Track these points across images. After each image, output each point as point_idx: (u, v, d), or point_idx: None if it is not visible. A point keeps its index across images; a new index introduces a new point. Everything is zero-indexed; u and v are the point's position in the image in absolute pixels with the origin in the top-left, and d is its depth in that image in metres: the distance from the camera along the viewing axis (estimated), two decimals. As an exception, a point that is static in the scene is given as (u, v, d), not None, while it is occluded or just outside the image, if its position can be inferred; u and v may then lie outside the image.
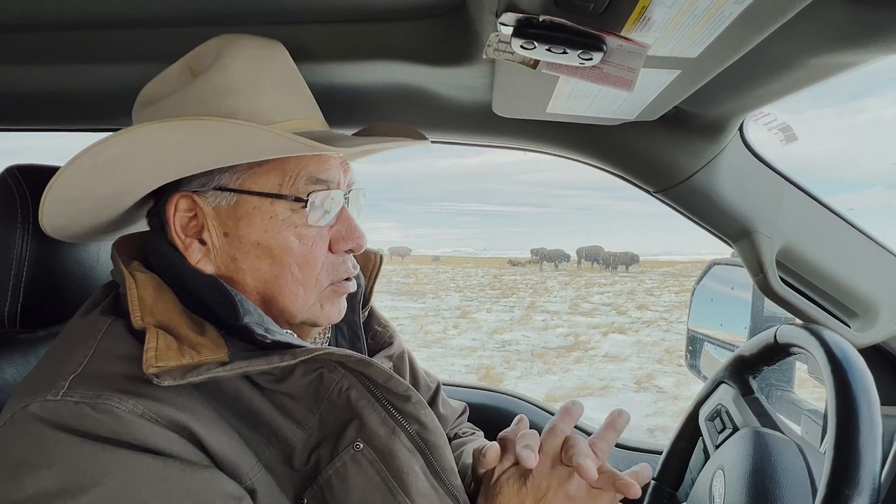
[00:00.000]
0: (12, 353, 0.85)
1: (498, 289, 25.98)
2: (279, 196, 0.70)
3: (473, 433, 1.07)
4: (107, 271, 0.93)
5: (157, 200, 0.74)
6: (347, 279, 0.78)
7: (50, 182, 0.65)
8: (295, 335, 0.75)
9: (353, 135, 0.88)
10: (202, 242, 0.72)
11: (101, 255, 0.92)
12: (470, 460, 0.94)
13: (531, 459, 0.71)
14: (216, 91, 0.70)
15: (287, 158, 0.71)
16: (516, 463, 0.74)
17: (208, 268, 0.71)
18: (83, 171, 0.65)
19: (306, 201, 0.70)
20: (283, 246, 0.70)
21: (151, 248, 0.74)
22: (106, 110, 1.08)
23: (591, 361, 9.89)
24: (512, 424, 0.81)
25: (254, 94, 0.71)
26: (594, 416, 6.47)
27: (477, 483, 0.81)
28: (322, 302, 0.75)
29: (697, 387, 1.08)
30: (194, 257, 0.71)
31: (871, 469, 0.58)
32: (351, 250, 0.76)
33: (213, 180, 0.70)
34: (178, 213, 0.71)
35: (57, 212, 0.70)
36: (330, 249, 0.75)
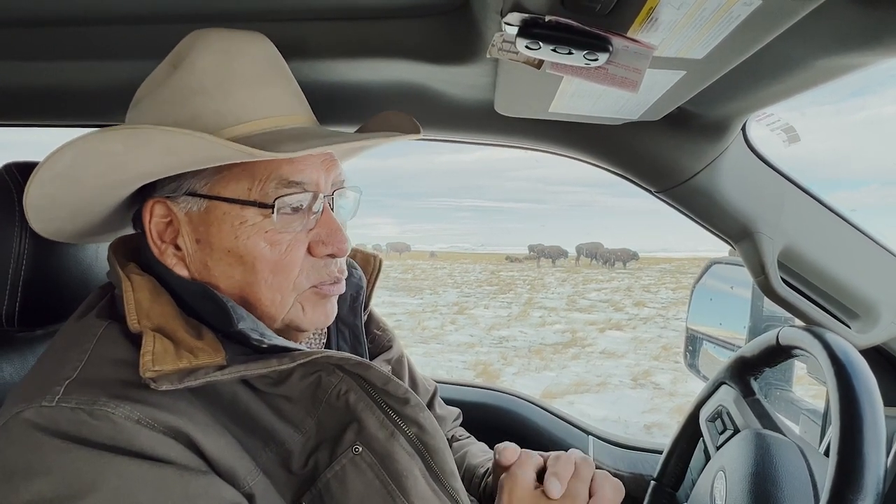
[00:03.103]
0: (10, 352, 0.85)
1: (495, 285, 26.01)
2: (246, 202, 0.67)
3: (469, 437, 1.07)
4: (105, 269, 0.92)
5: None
6: (334, 282, 0.74)
7: (24, 192, 0.64)
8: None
9: (356, 132, 0.87)
10: (178, 248, 0.70)
11: (99, 254, 0.92)
12: (477, 461, 0.94)
13: (556, 489, 0.71)
14: (184, 90, 0.68)
15: (256, 162, 0.67)
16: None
17: (183, 272, 0.69)
18: (46, 181, 0.63)
19: (273, 206, 0.67)
20: (254, 253, 0.67)
21: (142, 252, 0.73)
22: (104, 106, 1.07)
23: (588, 358, 9.91)
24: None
25: (220, 92, 0.68)
26: (592, 412, 6.49)
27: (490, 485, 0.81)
28: (303, 304, 0.72)
29: (694, 384, 1.08)
30: (169, 262, 0.69)
31: (875, 473, 0.58)
32: (332, 255, 0.72)
33: (184, 185, 0.68)
34: (153, 218, 0.69)
35: (37, 218, 0.69)
36: (310, 252, 0.71)
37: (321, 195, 0.71)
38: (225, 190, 0.67)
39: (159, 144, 0.61)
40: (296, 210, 0.69)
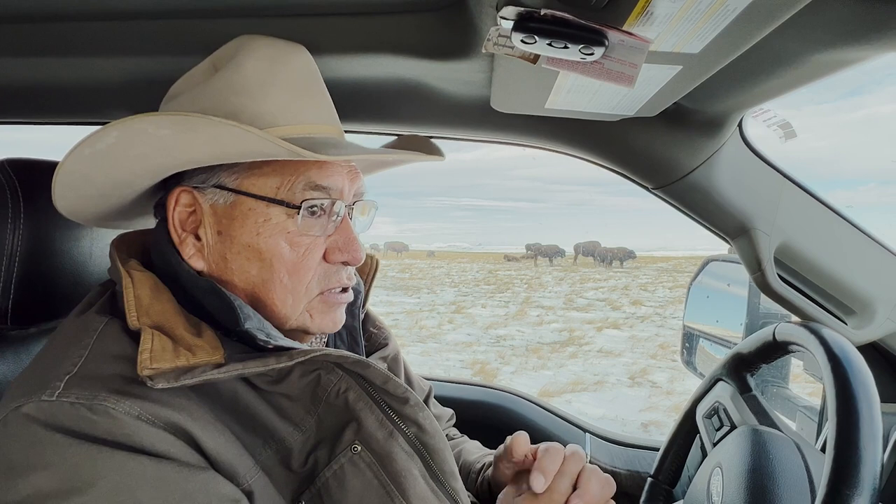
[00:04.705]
0: (4, 351, 0.84)
1: (493, 284, 26.01)
2: (273, 200, 0.69)
3: (462, 437, 1.07)
4: (100, 267, 0.92)
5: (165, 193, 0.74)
6: (343, 290, 0.75)
7: (57, 167, 0.65)
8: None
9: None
10: (198, 238, 0.71)
11: (93, 251, 0.91)
12: (472, 458, 0.94)
13: (539, 484, 0.72)
14: (226, 90, 0.70)
15: (287, 162, 0.69)
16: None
17: (199, 264, 0.70)
18: (84, 158, 0.64)
19: (299, 208, 0.69)
20: (274, 251, 0.69)
21: (154, 244, 0.74)
22: (103, 103, 1.06)
23: (586, 356, 9.91)
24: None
25: (262, 95, 0.70)
26: (589, 411, 6.50)
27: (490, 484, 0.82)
28: (311, 311, 0.73)
29: (691, 382, 1.08)
30: (187, 252, 0.70)
31: (871, 468, 0.58)
32: (346, 263, 0.74)
33: (213, 177, 0.70)
34: (178, 206, 0.71)
35: (64, 196, 0.70)
36: (325, 258, 0.73)
37: (343, 203, 0.72)
38: (253, 186, 0.69)
39: (206, 133, 0.63)
40: (318, 214, 0.70)
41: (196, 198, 0.70)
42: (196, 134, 0.63)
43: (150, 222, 0.81)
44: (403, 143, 0.90)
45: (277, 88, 0.71)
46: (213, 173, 0.69)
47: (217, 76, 0.71)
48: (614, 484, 0.77)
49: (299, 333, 0.75)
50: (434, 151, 0.86)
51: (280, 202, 0.69)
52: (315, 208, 0.70)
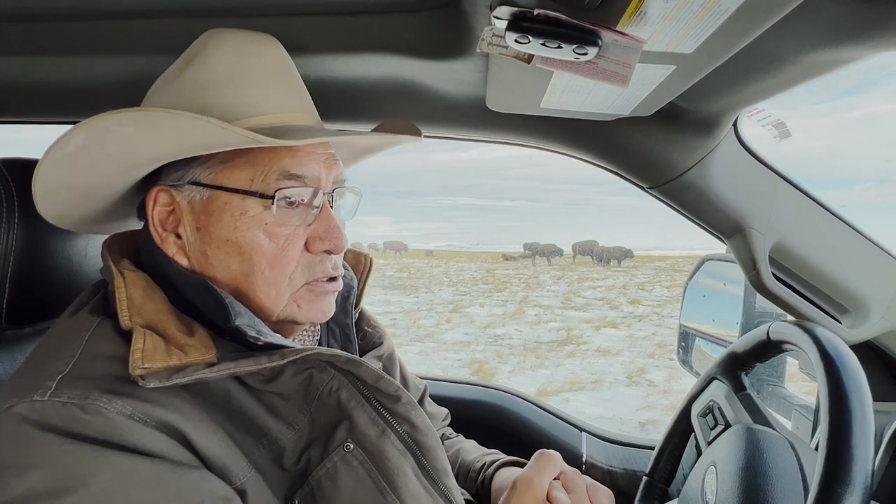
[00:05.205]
0: (-2, 350, 0.84)
1: (491, 283, 26.00)
2: (248, 192, 0.68)
3: (458, 436, 1.07)
4: (94, 267, 0.92)
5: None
6: (331, 279, 0.74)
7: (34, 172, 0.65)
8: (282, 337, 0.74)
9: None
10: (178, 237, 0.71)
11: (88, 251, 0.91)
12: (471, 457, 0.94)
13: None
14: (195, 85, 0.69)
15: (259, 153, 0.68)
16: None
17: (183, 262, 0.70)
18: (57, 161, 0.64)
19: (274, 198, 0.68)
20: (253, 244, 0.68)
21: (143, 245, 0.73)
22: (100, 103, 1.06)
23: (584, 356, 9.91)
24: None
25: (231, 88, 0.69)
26: (587, 410, 6.50)
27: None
28: (298, 301, 0.72)
29: (688, 381, 1.08)
30: (170, 251, 0.70)
31: (863, 467, 0.58)
32: (329, 251, 0.73)
33: (188, 174, 0.69)
34: (156, 206, 0.70)
35: (46, 200, 0.70)
36: (307, 248, 0.72)
37: (321, 191, 0.72)
38: (227, 180, 0.68)
39: (168, 128, 0.63)
40: (295, 204, 0.70)
41: (174, 196, 0.70)
42: (158, 129, 0.63)
43: (139, 224, 0.81)
44: (379, 128, 0.89)
45: (247, 80, 0.70)
46: (187, 170, 0.69)
47: (186, 72, 0.70)
48: (612, 496, 0.80)
49: (288, 325, 0.75)
50: (410, 131, 0.84)
51: (254, 193, 0.68)
52: (292, 198, 0.69)
